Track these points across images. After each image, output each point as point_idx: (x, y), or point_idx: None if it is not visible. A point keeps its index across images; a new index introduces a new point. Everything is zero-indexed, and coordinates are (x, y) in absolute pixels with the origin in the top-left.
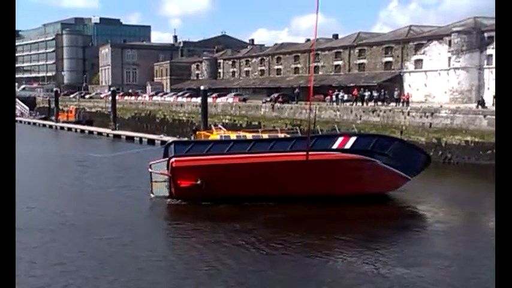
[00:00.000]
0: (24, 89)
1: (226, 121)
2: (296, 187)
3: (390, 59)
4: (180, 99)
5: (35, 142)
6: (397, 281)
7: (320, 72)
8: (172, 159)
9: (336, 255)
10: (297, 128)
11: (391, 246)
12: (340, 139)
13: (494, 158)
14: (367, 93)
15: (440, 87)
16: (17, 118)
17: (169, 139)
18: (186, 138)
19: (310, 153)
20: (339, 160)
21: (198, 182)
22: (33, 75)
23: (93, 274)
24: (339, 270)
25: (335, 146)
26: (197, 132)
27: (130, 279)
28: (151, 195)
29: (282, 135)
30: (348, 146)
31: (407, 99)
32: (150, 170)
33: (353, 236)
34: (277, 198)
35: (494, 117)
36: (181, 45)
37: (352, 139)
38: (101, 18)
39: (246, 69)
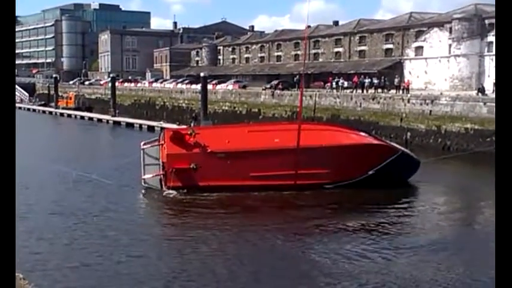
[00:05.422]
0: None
1: (226, 108)
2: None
3: (391, 46)
4: (179, 85)
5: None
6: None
7: (320, 59)
8: (165, 131)
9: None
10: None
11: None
12: None
13: (494, 145)
14: (367, 80)
15: (440, 75)
16: (16, 104)
17: (169, 126)
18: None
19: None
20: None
21: (190, 131)
22: (33, 61)
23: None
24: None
25: None
26: None
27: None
28: (142, 183)
29: None
30: None
31: (408, 86)
32: (142, 146)
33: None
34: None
35: (494, 104)
36: (181, 31)
37: None
38: (100, 4)
39: (246, 56)
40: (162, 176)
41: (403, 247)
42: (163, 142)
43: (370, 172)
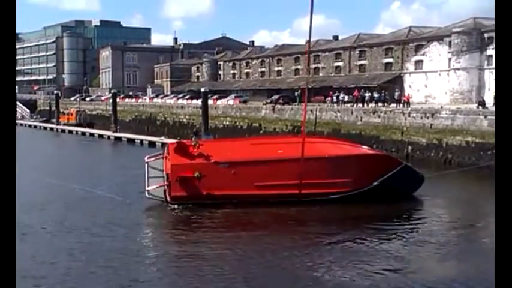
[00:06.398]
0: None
1: (227, 123)
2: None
3: (390, 60)
4: (180, 101)
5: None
6: None
7: (320, 74)
8: (169, 144)
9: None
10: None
11: None
12: None
13: (494, 158)
14: (367, 94)
15: (440, 88)
16: (18, 121)
17: (170, 141)
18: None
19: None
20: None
21: (193, 143)
22: (34, 78)
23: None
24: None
25: None
26: None
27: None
28: (147, 195)
29: None
30: None
31: (408, 100)
32: (147, 160)
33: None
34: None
35: (494, 117)
36: (182, 47)
37: None
38: (101, 21)
39: (246, 70)
40: (166, 186)
41: (416, 270)
42: (167, 155)
43: (375, 183)
